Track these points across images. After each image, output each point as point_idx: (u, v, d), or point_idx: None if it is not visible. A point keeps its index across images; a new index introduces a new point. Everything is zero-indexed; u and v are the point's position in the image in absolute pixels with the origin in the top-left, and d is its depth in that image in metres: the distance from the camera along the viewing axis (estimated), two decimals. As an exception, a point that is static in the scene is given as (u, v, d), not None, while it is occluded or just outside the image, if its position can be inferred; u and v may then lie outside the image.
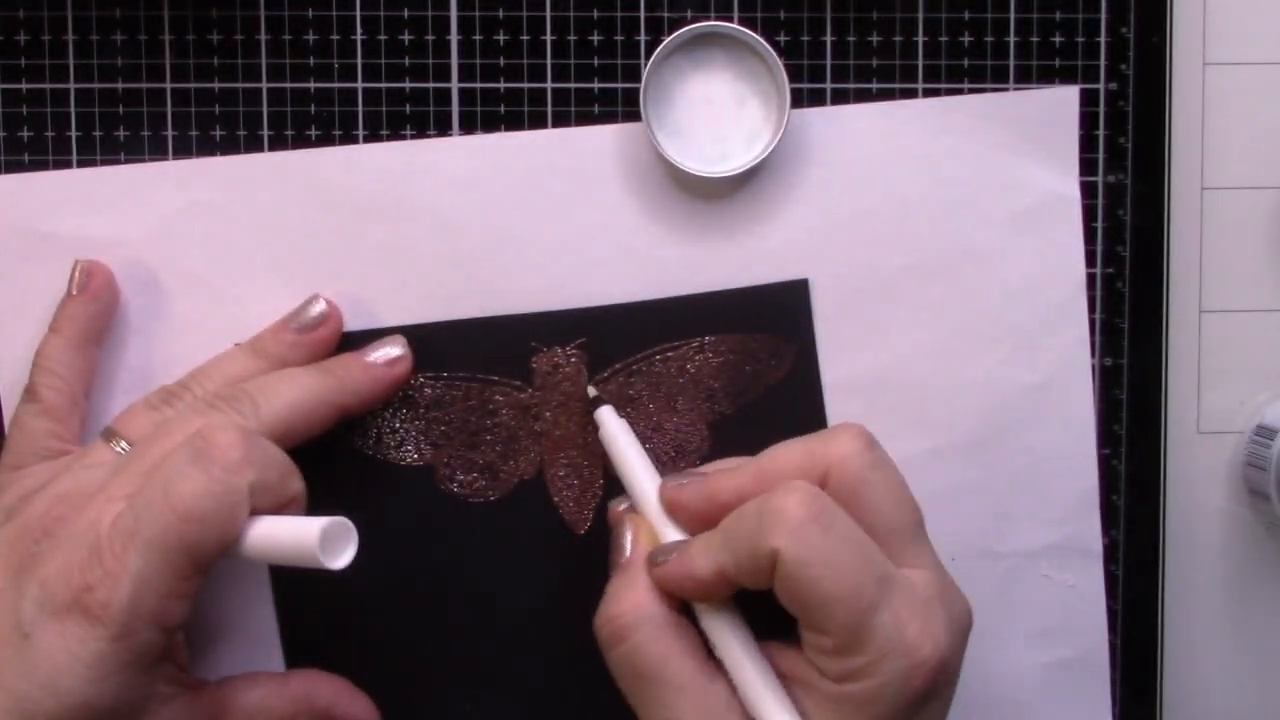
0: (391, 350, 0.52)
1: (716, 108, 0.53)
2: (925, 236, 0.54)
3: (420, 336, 0.53)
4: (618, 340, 0.53)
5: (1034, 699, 0.55)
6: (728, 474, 0.47)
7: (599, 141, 0.54)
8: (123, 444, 0.47)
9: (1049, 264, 0.54)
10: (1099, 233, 0.55)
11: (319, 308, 0.52)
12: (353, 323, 0.53)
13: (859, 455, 0.45)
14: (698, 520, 0.46)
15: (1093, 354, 0.55)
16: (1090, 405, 0.55)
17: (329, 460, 0.52)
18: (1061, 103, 0.54)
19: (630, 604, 0.45)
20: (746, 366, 0.54)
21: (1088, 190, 0.55)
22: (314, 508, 0.46)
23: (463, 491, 0.53)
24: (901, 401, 0.54)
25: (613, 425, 0.51)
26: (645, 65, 0.52)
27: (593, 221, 0.53)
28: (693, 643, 0.45)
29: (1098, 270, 0.55)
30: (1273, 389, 0.56)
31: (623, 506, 0.49)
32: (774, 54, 0.52)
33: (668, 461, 0.54)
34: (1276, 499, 0.54)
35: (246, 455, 0.43)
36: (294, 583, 0.53)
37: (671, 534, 0.47)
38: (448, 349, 0.53)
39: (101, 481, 0.45)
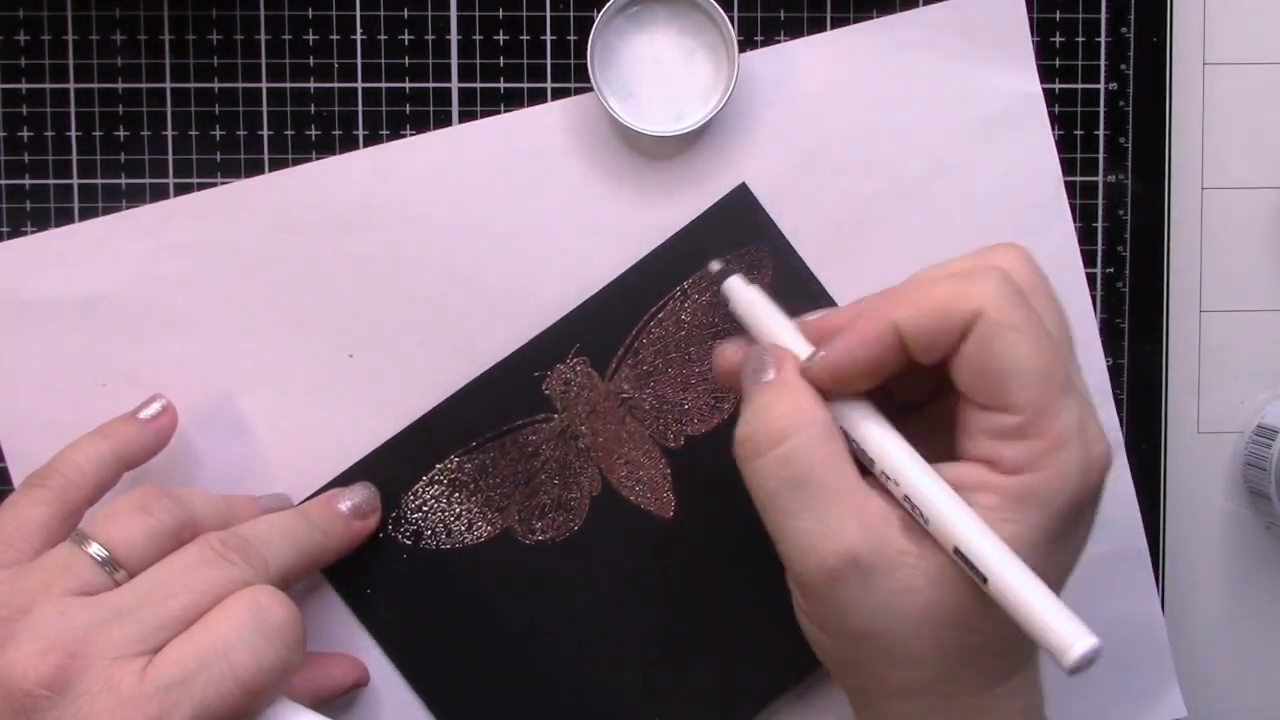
0: (363, 503, 0.52)
1: (666, 66, 0.53)
2: (893, 158, 0.54)
3: (431, 423, 0.53)
4: (608, 327, 0.54)
5: (1078, 597, 0.53)
6: (872, 297, 0.44)
7: (553, 118, 0.54)
8: (96, 548, 0.45)
9: (1022, 165, 0.54)
10: (1099, 233, 0.55)
11: (158, 403, 0.51)
12: (347, 340, 0.53)
13: (1026, 264, 0.43)
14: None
15: (1089, 264, 0.55)
16: (1087, 299, 0.55)
17: (414, 574, 0.53)
18: (1008, 3, 0.54)
19: (790, 408, 0.42)
20: None
21: (1085, 185, 0.55)
22: (424, 619, 0.53)
23: (546, 536, 0.54)
24: None
25: (744, 292, 0.47)
26: (590, 35, 0.52)
27: (561, 199, 0.54)
28: (848, 454, 0.42)
29: (1098, 270, 0.55)
30: (1273, 389, 0.57)
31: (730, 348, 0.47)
32: (714, 3, 0.52)
33: (710, 411, 0.54)
34: (1276, 499, 0.54)
35: (304, 635, 0.44)
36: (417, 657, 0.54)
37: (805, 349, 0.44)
38: (462, 421, 0.53)
39: (98, 624, 0.42)
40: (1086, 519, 0.42)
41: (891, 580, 0.41)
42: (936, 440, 0.43)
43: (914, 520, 0.41)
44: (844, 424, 0.43)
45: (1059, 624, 0.38)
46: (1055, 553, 0.41)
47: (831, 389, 0.43)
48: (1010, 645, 0.40)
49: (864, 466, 0.43)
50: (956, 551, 0.40)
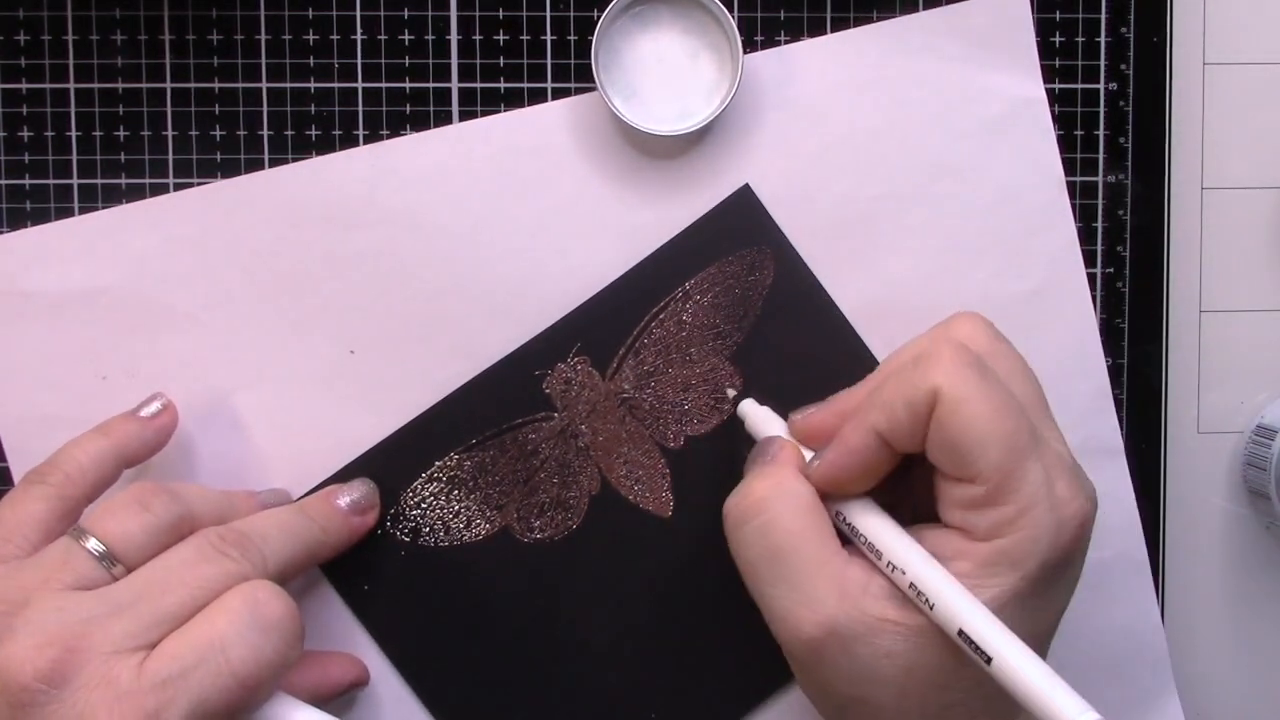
0: (362, 499, 0.52)
1: (669, 66, 0.53)
2: (896, 161, 0.54)
3: (431, 420, 0.53)
4: (609, 327, 0.54)
5: (1077, 603, 0.53)
6: (853, 390, 0.47)
7: (556, 116, 0.54)
8: (94, 543, 0.45)
9: (1025, 169, 0.54)
10: (1099, 233, 0.55)
11: (159, 402, 0.51)
12: (347, 337, 0.53)
13: (983, 331, 0.45)
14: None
15: (1089, 264, 0.55)
16: (1089, 303, 0.55)
17: (412, 571, 0.53)
18: (1013, 7, 0.54)
19: (771, 482, 0.45)
20: (736, 290, 0.54)
21: (1085, 185, 0.55)
22: (421, 616, 0.53)
23: (545, 535, 0.54)
24: (900, 329, 0.53)
25: (757, 411, 0.51)
26: (594, 34, 0.52)
27: (563, 198, 0.54)
28: (830, 527, 0.44)
29: (1098, 270, 0.55)
30: (1273, 389, 0.56)
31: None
32: (719, 3, 0.52)
33: (710, 412, 0.54)
34: (1276, 499, 0.54)
35: (301, 629, 0.44)
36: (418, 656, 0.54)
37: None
38: (462, 419, 0.53)
39: (95, 618, 0.42)
40: (1067, 574, 0.43)
41: (872, 646, 0.42)
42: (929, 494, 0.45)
43: (894, 587, 0.43)
44: (849, 518, 0.45)
45: (1063, 701, 0.39)
46: (1037, 608, 0.42)
47: (834, 493, 0.45)
48: (989, 701, 0.41)
49: (845, 536, 0.45)
50: (961, 633, 0.41)
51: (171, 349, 0.53)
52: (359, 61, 0.54)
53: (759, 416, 0.51)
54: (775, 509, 0.44)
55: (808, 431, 0.47)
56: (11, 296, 0.53)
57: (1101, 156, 0.55)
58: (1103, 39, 0.55)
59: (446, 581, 0.53)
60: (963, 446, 0.41)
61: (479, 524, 0.53)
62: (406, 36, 0.54)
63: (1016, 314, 0.54)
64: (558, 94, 0.54)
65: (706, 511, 0.53)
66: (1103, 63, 0.55)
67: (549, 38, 0.54)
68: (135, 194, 0.54)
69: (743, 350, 0.54)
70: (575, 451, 0.54)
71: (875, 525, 0.44)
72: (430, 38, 0.54)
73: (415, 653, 0.53)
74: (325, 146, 0.54)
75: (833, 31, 0.54)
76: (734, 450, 0.53)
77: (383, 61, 0.54)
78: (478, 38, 0.54)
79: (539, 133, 0.54)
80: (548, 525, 0.53)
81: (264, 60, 0.54)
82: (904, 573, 0.42)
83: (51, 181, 0.54)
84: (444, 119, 0.54)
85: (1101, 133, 0.55)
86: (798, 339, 0.54)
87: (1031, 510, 0.41)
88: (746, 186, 0.54)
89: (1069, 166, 0.55)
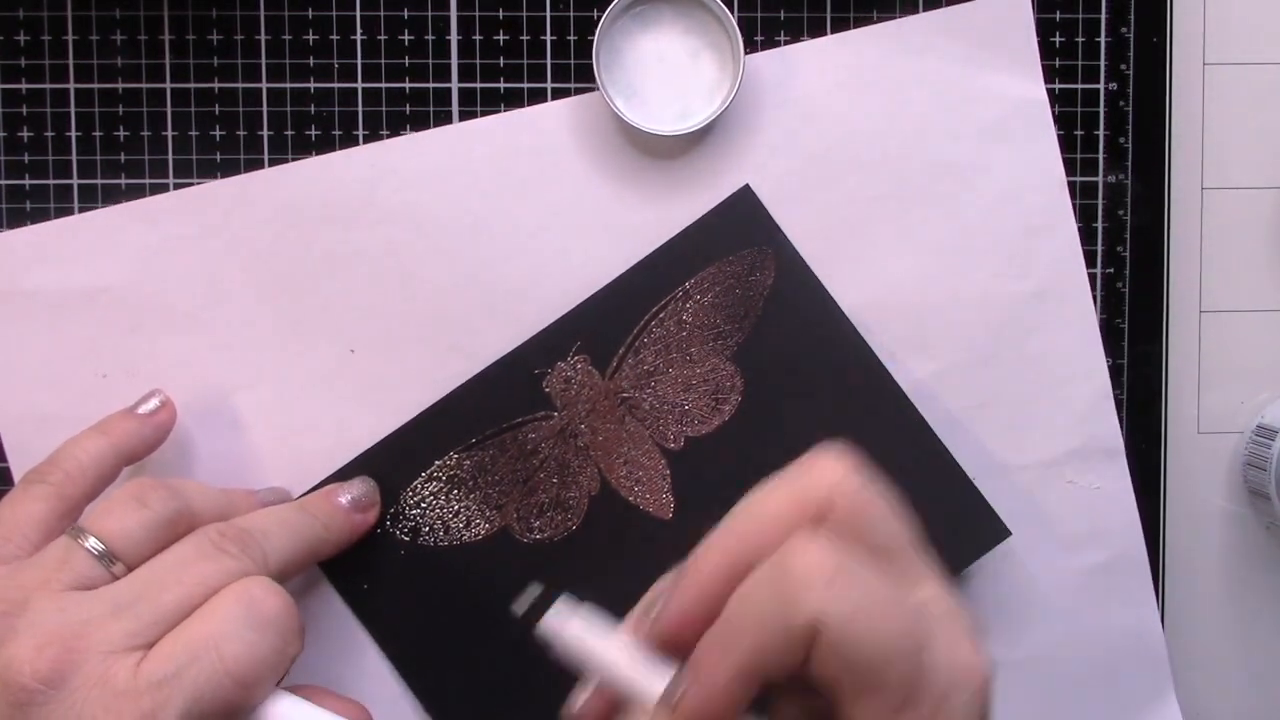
0: (363, 496, 0.52)
1: (670, 65, 0.53)
2: (897, 162, 0.54)
3: (431, 419, 0.53)
4: (609, 325, 0.54)
5: (1076, 605, 0.55)
6: (701, 557, 0.38)
7: (557, 116, 0.54)
8: (93, 542, 0.44)
9: (1026, 169, 0.54)
10: (1099, 233, 0.55)
11: (157, 399, 0.51)
12: (348, 336, 0.53)
13: (854, 474, 0.37)
14: (696, 630, 0.37)
15: (1089, 264, 0.55)
16: (1090, 304, 0.55)
17: (412, 570, 0.53)
18: (1014, 8, 0.54)
19: None
20: (736, 290, 0.54)
21: (1085, 185, 0.55)
22: (421, 616, 0.53)
23: (545, 535, 0.54)
24: (902, 328, 0.54)
25: (571, 628, 0.40)
26: (595, 34, 0.52)
27: (563, 198, 0.54)
28: None
29: (1098, 270, 0.55)
30: (1273, 389, 0.56)
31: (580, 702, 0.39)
32: (720, 3, 0.52)
33: (711, 413, 0.54)
34: (1276, 499, 0.54)
35: (300, 625, 0.44)
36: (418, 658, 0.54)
37: (659, 679, 0.37)
38: (462, 418, 0.53)
39: (95, 619, 0.42)
40: None
41: None
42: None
43: None
44: None
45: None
46: None
47: None
48: None
49: None
50: None
51: (172, 348, 0.53)
52: (359, 61, 0.54)
53: (584, 641, 0.39)
54: None
55: (664, 640, 0.38)
56: (12, 296, 0.53)
57: (1101, 156, 0.55)
58: (1103, 39, 0.55)
59: (446, 581, 0.53)
60: (859, 670, 0.34)
61: (479, 524, 0.53)
62: (406, 36, 0.54)
63: (1018, 315, 0.54)
64: (558, 94, 0.54)
65: (708, 514, 0.53)
66: (1103, 63, 0.55)
67: (549, 38, 0.54)
68: (135, 194, 0.54)
69: (743, 350, 0.54)
70: (575, 451, 0.54)
71: None
72: (430, 38, 0.54)
73: (415, 652, 0.53)
74: (325, 146, 0.54)
75: (833, 32, 0.54)
76: (735, 453, 0.53)
77: (383, 61, 0.54)
78: (478, 38, 0.54)
79: (539, 133, 0.54)
80: (547, 526, 0.53)
81: (264, 60, 0.54)
82: None
83: (51, 181, 0.54)
84: (444, 119, 0.54)
85: (1101, 133, 0.55)
86: (798, 339, 0.54)
87: (948, 697, 0.35)
88: (747, 186, 0.54)
89: (1069, 166, 0.55)
